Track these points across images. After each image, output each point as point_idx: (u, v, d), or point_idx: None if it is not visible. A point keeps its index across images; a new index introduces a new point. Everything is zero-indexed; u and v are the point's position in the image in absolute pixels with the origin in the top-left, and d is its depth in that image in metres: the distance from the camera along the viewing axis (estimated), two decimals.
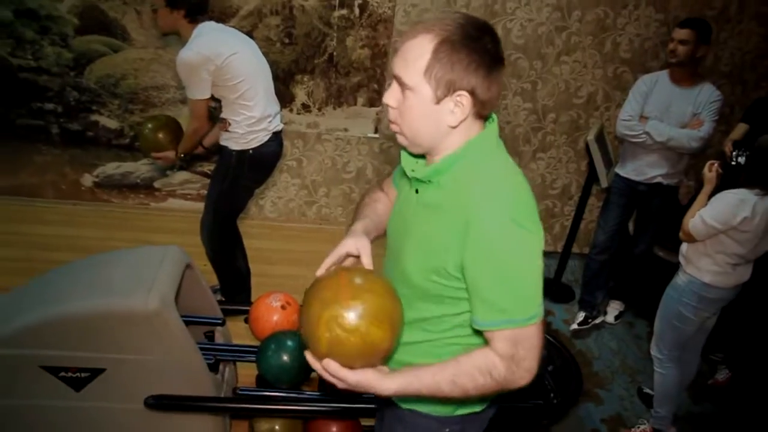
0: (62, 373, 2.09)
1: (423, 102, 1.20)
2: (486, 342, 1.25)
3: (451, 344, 1.35)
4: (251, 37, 2.97)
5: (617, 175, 3.36)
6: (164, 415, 2.14)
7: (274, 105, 2.91)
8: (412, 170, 1.32)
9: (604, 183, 3.42)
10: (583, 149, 4.03)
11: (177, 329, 2.01)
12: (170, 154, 2.94)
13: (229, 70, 2.64)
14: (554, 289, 3.91)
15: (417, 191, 1.32)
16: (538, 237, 1.21)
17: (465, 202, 1.20)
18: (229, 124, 2.78)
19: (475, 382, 1.23)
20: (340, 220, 4.26)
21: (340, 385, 1.24)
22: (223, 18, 3.55)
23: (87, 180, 4.07)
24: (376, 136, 3.97)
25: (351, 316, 1.19)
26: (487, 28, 1.20)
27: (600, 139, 3.46)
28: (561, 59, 3.85)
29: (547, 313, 3.73)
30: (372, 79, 3.83)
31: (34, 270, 3.17)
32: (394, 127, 1.29)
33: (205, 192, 3.08)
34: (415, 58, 1.18)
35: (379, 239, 1.50)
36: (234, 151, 2.81)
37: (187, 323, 2.09)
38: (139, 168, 4.06)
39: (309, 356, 1.26)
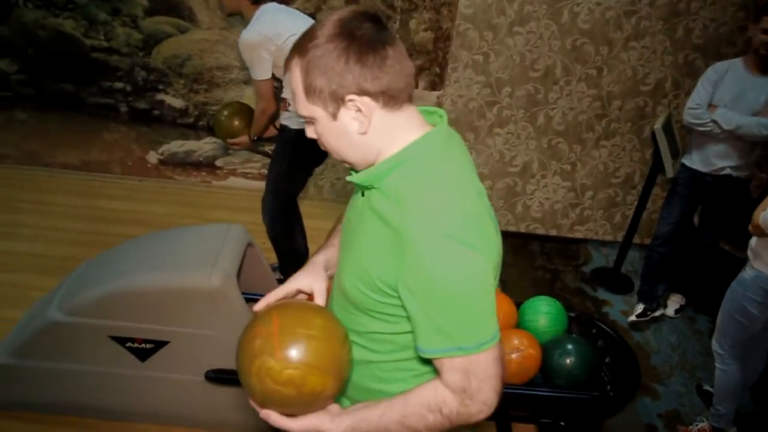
0: (129, 344, 2.18)
1: (326, 125, 1.11)
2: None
3: (400, 369, 1.22)
4: (314, 18, 2.98)
5: (683, 165, 3.25)
6: (223, 388, 2.21)
7: None
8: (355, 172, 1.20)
9: (669, 173, 3.31)
10: (648, 138, 3.91)
11: (238, 306, 2.07)
12: (245, 138, 3.02)
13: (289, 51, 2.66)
14: (613, 280, 3.83)
15: (363, 194, 1.20)
16: (485, 253, 1.06)
17: (399, 216, 1.06)
18: (289, 104, 2.81)
19: (425, 420, 1.12)
20: None
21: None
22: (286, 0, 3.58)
23: (152, 157, 4.19)
24: None
25: (282, 367, 1.08)
26: (357, 16, 1.07)
27: (667, 127, 3.34)
28: (629, 45, 3.73)
29: (605, 303, 3.66)
30: (434, 62, 3.80)
31: (102, 242, 3.32)
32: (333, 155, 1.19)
33: (266, 171, 3.13)
34: (296, 88, 1.10)
35: None
36: (293, 130, 2.85)
37: (248, 300, 2.15)
38: (202, 146, 4.16)
39: (251, 401, 1.19)
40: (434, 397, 1.11)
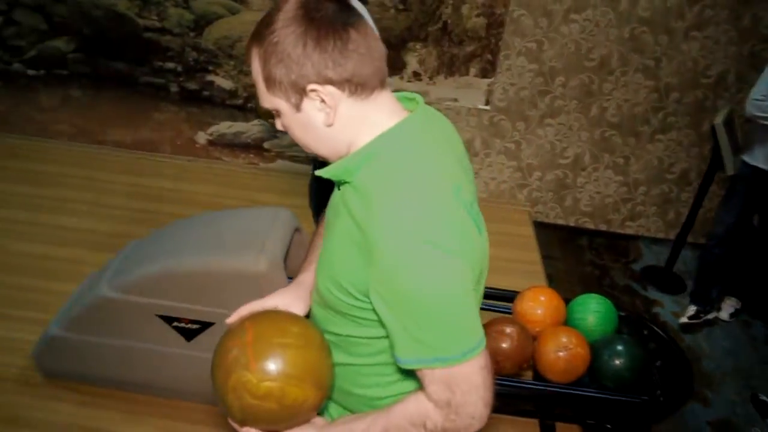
0: (175, 323, 2.21)
1: (290, 117, 1.03)
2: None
3: (378, 374, 1.15)
4: (364, 2, 2.93)
5: (744, 162, 3.11)
6: None
7: None
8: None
9: (730, 170, 3.17)
10: (707, 133, 3.76)
11: None
12: None
13: None
14: (664, 279, 3.72)
15: (339, 187, 1.10)
16: (461, 255, 0.96)
17: (366, 215, 0.97)
18: None
19: None
20: None
21: None
22: None
23: (201, 137, 4.23)
24: (487, 108, 3.87)
25: (259, 380, 1.03)
26: None
27: (728, 123, 3.20)
28: (690, 34, 3.58)
29: (655, 303, 3.56)
30: (486, 49, 3.72)
31: (151, 220, 3.38)
32: (303, 149, 1.12)
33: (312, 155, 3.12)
34: (257, 79, 1.02)
35: None
36: None
37: None
38: (251, 128, 4.18)
39: (230, 421, 1.13)
40: (417, 411, 1.04)
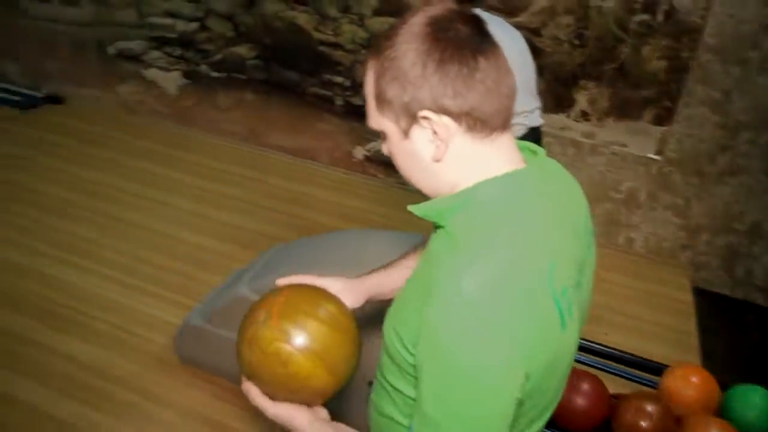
0: None
1: (396, 143, 0.92)
2: None
3: None
4: (538, 34, 2.83)
5: None
6: None
7: (533, 101, 2.74)
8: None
9: None
10: None
11: None
12: None
13: None
14: None
15: (436, 229, 0.99)
16: (519, 347, 0.81)
17: (444, 258, 0.87)
18: None
19: None
20: (599, 240, 3.97)
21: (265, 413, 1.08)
22: (513, 11, 3.45)
23: (359, 152, 4.32)
24: (658, 158, 3.59)
25: (273, 338, 1.02)
26: (453, 15, 0.87)
27: None
28: None
29: None
30: (664, 94, 3.45)
31: (300, 226, 3.49)
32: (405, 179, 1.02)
33: None
34: (368, 94, 0.92)
35: None
36: None
37: None
38: None
39: (242, 376, 1.11)
40: None
